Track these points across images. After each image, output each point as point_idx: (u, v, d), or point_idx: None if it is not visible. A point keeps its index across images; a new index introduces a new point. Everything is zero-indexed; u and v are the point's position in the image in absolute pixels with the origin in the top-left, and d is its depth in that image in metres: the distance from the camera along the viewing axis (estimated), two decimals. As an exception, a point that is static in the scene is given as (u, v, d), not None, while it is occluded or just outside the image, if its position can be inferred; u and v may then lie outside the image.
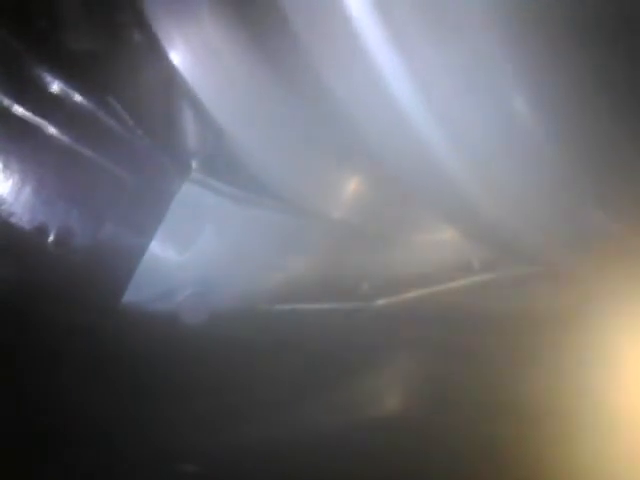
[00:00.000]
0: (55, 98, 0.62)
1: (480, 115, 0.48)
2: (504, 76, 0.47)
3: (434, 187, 0.53)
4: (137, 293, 0.64)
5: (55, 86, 0.62)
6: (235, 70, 0.60)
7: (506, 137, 0.49)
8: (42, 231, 0.62)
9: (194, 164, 0.64)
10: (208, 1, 0.58)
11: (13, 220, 0.61)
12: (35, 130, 0.61)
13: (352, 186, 0.66)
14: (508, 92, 0.48)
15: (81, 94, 0.62)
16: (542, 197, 0.52)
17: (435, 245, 0.69)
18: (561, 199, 0.53)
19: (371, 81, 0.47)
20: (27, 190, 0.61)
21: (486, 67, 0.47)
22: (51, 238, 0.62)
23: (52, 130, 0.61)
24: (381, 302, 0.71)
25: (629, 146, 0.51)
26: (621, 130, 0.50)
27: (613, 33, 0.46)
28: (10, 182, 0.61)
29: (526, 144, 0.49)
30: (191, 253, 0.65)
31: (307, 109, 0.61)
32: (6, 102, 0.60)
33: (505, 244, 0.59)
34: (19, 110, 0.61)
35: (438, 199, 0.56)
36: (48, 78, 0.62)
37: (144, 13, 0.58)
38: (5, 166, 0.60)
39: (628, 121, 0.50)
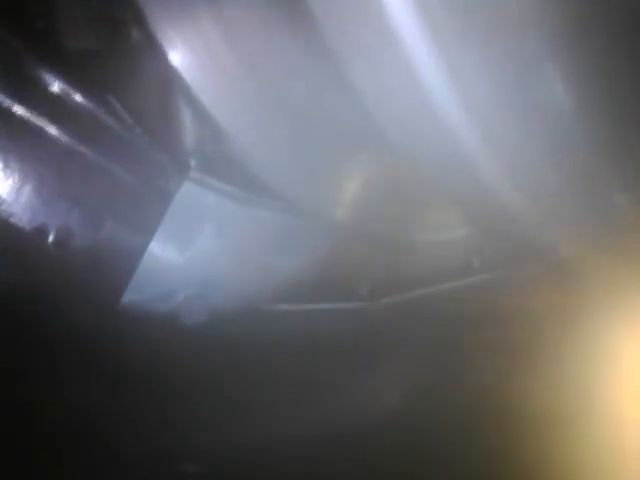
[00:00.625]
0: (55, 98, 0.62)
1: (511, 107, 0.48)
2: (536, 66, 0.47)
3: (459, 180, 0.53)
4: (137, 293, 0.64)
5: (55, 86, 0.62)
6: (233, 69, 0.60)
7: (537, 128, 0.49)
8: (42, 231, 0.62)
9: (193, 163, 0.64)
10: (206, 1, 0.58)
11: (13, 220, 0.61)
12: (35, 130, 0.61)
13: (352, 186, 0.66)
14: (541, 82, 0.48)
15: (81, 94, 0.62)
16: (567, 187, 0.52)
17: (435, 245, 0.69)
18: (588, 188, 0.52)
19: (405, 76, 0.47)
20: (27, 190, 0.61)
21: (519, 60, 0.47)
22: (51, 238, 0.62)
23: (52, 130, 0.61)
24: (381, 302, 0.71)
25: None
26: None
27: None
28: (10, 182, 0.60)
29: (558, 134, 0.49)
30: (191, 253, 0.65)
31: (306, 109, 0.61)
32: (6, 102, 0.60)
33: (525, 238, 0.58)
34: (19, 110, 0.60)
35: (464, 193, 0.55)
36: (48, 78, 0.62)
37: (143, 13, 0.58)
38: (5, 166, 0.60)
39: None
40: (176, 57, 0.59)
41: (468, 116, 0.47)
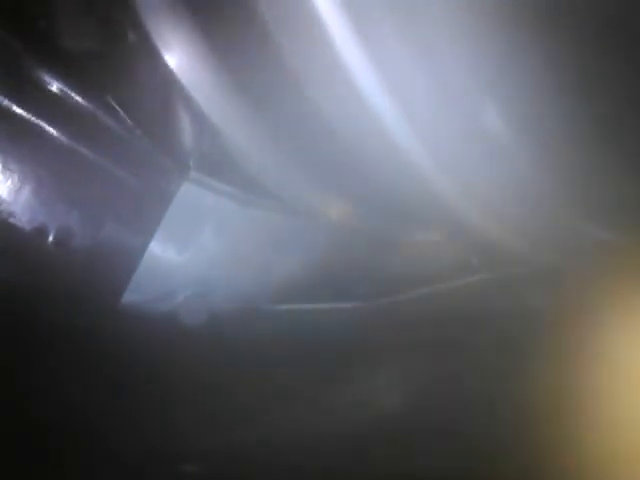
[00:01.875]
0: (54, 98, 0.62)
1: (455, 125, 0.48)
2: (477, 84, 0.47)
3: (414, 193, 0.54)
4: (137, 293, 0.64)
5: (54, 86, 0.62)
6: (231, 71, 0.60)
7: (484, 146, 0.49)
8: (42, 231, 0.62)
9: (192, 164, 0.64)
10: (204, 3, 0.58)
11: (12, 220, 0.61)
12: (34, 130, 0.61)
13: (352, 186, 0.66)
14: (483, 101, 0.48)
15: (80, 94, 0.62)
16: (526, 206, 0.52)
17: (435, 245, 0.69)
18: (545, 207, 0.53)
19: (343, 85, 0.47)
20: (26, 190, 0.61)
21: (458, 75, 0.46)
22: (51, 238, 0.62)
23: (51, 130, 0.62)
24: (381, 302, 0.71)
25: (614, 153, 0.51)
26: (604, 139, 0.50)
27: (597, 41, 0.46)
28: (9, 182, 0.61)
29: (507, 153, 0.49)
30: (191, 253, 0.65)
31: (305, 110, 0.61)
32: (5, 102, 0.60)
33: (492, 248, 0.59)
34: (18, 110, 0.61)
35: (423, 209, 0.56)
36: (47, 78, 0.62)
37: (141, 14, 0.58)
38: (4, 166, 0.60)
39: (613, 128, 0.49)
40: (174, 59, 0.59)
41: (410, 127, 0.48)
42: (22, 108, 0.61)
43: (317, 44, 0.46)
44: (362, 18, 0.44)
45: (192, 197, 0.64)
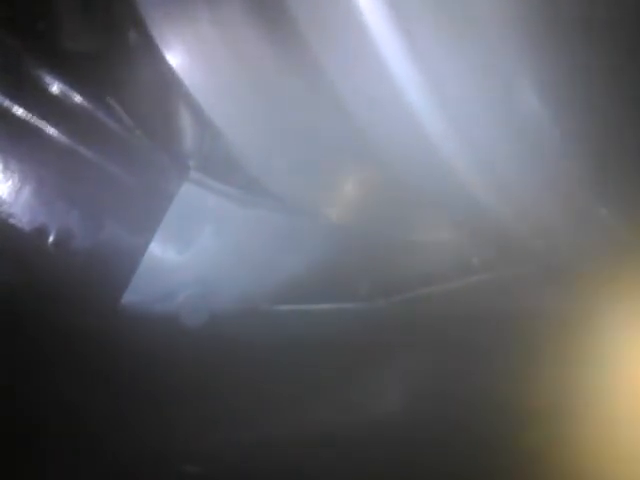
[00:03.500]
0: (54, 99, 0.62)
1: (492, 115, 0.48)
2: (517, 75, 0.47)
3: (442, 188, 0.53)
4: (137, 294, 0.64)
5: (54, 87, 0.62)
6: (232, 71, 0.60)
7: (518, 137, 0.49)
8: (42, 232, 0.62)
9: (192, 164, 0.64)
10: (205, 2, 0.58)
11: (13, 221, 0.61)
12: (34, 130, 0.61)
13: (352, 186, 0.66)
14: (521, 91, 0.48)
15: (80, 95, 0.62)
16: (548, 198, 0.52)
17: (435, 245, 0.69)
18: (571, 200, 0.53)
19: (380, 80, 0.47)
20: (27, 191, 0.61)
21: (499, 66, 0.47)
22: (51, 239, 0.62)
23: (51, 130, 0.61)
24: (381, 302, 0.71)
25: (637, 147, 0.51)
26: (630, 131, 0.50)
27: (629, 32, 0.46)
28: (10, 183, 0.61)
29: (538, 143, 0.49)
30: (191, 253, 0.65)
31: (306, 109, 0.61)
32: (5, 103, 0.60)
33: (511, 245, 0.58)
34: (18, 110, 0.60)
35: (446, 200, 0.56)
36: (47, 79, 0.62)
37: (142, 14, 0.58)
38: (4, 167, 0.60)
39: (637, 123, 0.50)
40: (174, 59, 0.59)
41: (446, 119, 0.48)
42: (22, 108, 0.60)
43: (349, 34, 0.46)
44: (401, 10, 0.44)
45: (192, 197, 0.64)
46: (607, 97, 0.48)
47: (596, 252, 0.57)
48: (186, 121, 0.64)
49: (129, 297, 0.64)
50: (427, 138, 0.48)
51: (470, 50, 0.46)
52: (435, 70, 0.46)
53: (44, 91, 0.62)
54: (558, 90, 0.47)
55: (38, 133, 0.61)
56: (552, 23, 0.45)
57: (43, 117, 0.61)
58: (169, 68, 0.59)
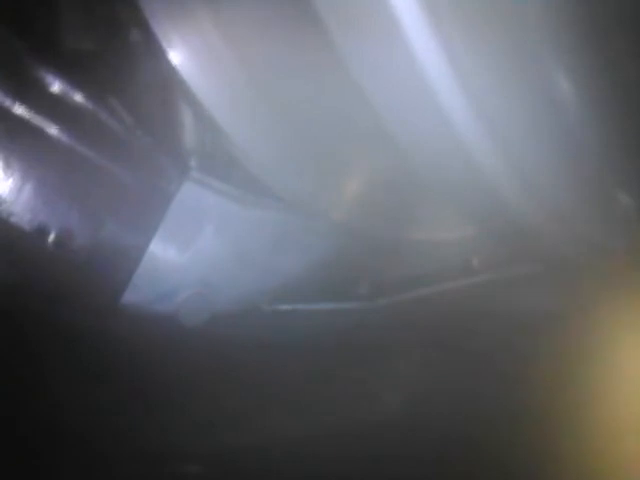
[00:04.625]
0: (55, 98, 0.62)
1: (517, 104, 0.48)
2: (547, 70, 0.47)
3: (462, 178, 0.53)
4: (137, 293, 0.64)
5: (55, 86, 0.62)
6: (233, 70, 0.60)
7: (541, 127, 0.49)
8: (42, 231, 0.62)
9: (193, 163, 0.64)
10: (206, 2, 0.58)
11: (13, 220, 0.61)
12: (35, 130, 0.61)
13: (352, 187, 0.66)
14: (547, 80, 0.48)
15: (81, 94, 0.62)
16: (575, 187, 0.52)
17: (435, 245, 0.69)
18: (592, 188, 0.52)
19: (411, 78, 0.46)
20: (27, 190, 0.61)
21: (528, 60, 0.46)
22: (51, 238, 0.62)
23: (52, 130, 0.61)
24: (381, 302, 0.71)
25: None
26: None
27: None
28: (10, 182, 0.60)
29: (563, 133, 0.49)
30: (191, 253, 0.65)
31: (306, 109, 0.61)
32: (6, 102, 0.60)
33: (526, 238, 0.58)
34: (19, 110, 0.60)
35: (464, 191, 0.55)
36: (48, 78, 0.62)
37: (143, 13, 0.58)
38: (5, 166, 0.60)
39: None
40: (176, 58, 0.59)
41: (473, 114, 0.47)
42: (23, 107, 0.60)
43: (378, 35, 0.45)
44: (434, 11, 0.44)
45: (193, 197, 0.64)
46: (634, 87, 0.48)
47: (616, 242, 0.57)
48: (187, 121, 0.64)
49: (129, 297, 0.64)
50: (451, 129, 0.48)
51: (497, 42, 0.46)
52: (460, 59, 0.45)
53: (45, 90, 0.62)
54: (586, 79, 0.47)
55: (39, 132, 0.61)
56: (586, 20, 0.45)
57: (44, 116, 0.61)
58: (171, 67, 0.59)
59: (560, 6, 0.45)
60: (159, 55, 0.59)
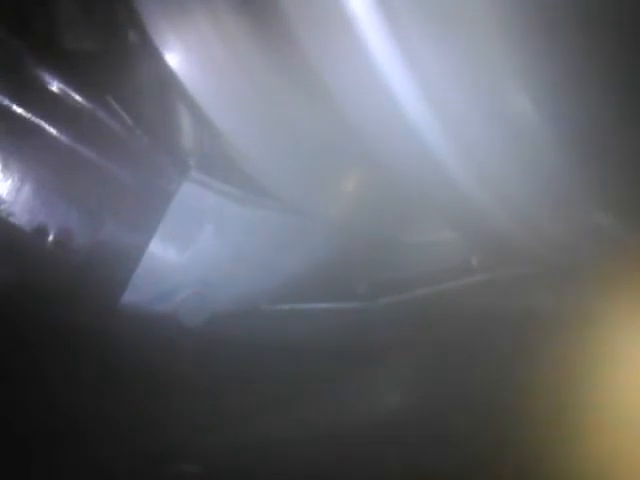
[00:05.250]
0: (54, 98, 0.62)
1: (484, 116, 0.48)
2: (508, 76, 0.47)
3: (439, 191, 0.53)
4: (137, 293, 0.64)
5: (54, 86, 0.62)
6: (231, 70, 0.60)
7: (514, 139, 0.49)
8: (42, 231, 0.62)
9: (193, 163, 0.64)
10: (204, 3, 0.58)
11: (12, 220, 0.61)
12: (34, 130, 0.61)
13: (352, 186, 0.66)
14: (512, 92, 0.48)
15: (80, 94, 0.62)
16: (543, 199, 0.52)
17: (435, 245, 0.69)
18: (563, 201, 0.52)
19: (371, 81, 0.47)
20: (26, 190, 0.61)
21: (489, 67, 0.46)
22: (51, 238, 0.62)
23: (51, 130, 0.61)
24: (381, 302, 0.71)
25: (633, 148, 0.51)
26: (628, 131, 0.50)
27: (619, 32, 0.46)
28: (9, 182, 0.61)
29: (529, 145, 0.49)
30: (191, 253, 0.65)
31: (305, 109, 0.61)
32: (6, 102, 0.60)
33: (506, 246, 0.58)
34: (18, 110, 0.60)
35: (440, 202, 0.56)
36: (47, 78, 0.62)
37: (140, 14, 0.58)
38: (4, 166, 0.60)
39: (635, 122, 0.49)
40: (173, 58, 0.59)
41: (437, 120, 0.47)
42: (22, 108, 0.61)
43: (340, 36, 0.46)
44: (392, 13, 0.44)
45: (192, 197, 0.64)
46: (605, 99, 0.48)
47: (595, 255, 0.57)
48: (186, 121, 0.64)
49: (129, 296, 0.64)
50: (421, 141, 0.48)
51: (462, 51, 0.46)
52: (427, 72, 0.46)
53: (44, 90, 0.62)
54: (554, 92, 0.47)
55: (38, 132, 0.61)
56: (545, 22, 0.45)
57: (43, 116, 0.61)
58: (168, 68, 0.59)
59: (520, 9, 0.45)
60: (157, 56, 0.59)
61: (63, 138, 0.62)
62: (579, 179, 0.51)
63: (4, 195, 0.61)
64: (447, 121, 0.48)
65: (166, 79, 0.60)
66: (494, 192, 0.51)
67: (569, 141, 0.50)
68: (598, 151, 0.50)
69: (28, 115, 0.61)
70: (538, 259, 0.58)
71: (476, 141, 0.49)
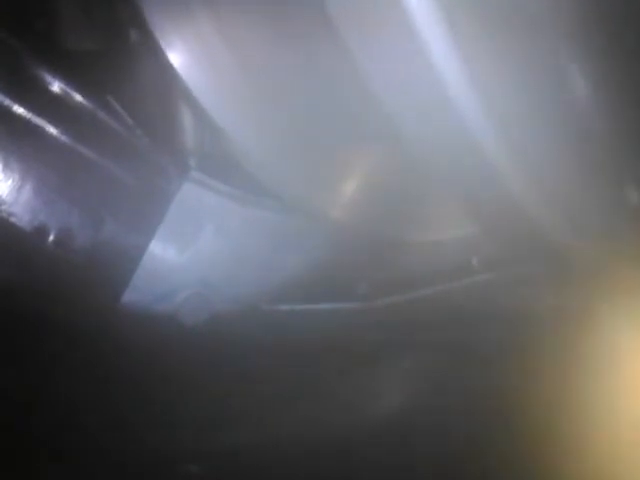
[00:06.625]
0: (55, 98, 0.62)
1: (526, 98, 0.48)
2: (556, 60, 0.47)
3: (474, 177, 0.52)
4: (137, 293, 0.64)
5: (55, 86, 0.62)
6: (232, 70, 0.60)
7: (552, 122, 0.49)
8: (42, 231, 0.62)
9: (193, 163, 0.64)
10: (205, 1, 0.58)
11: (13, 220, 0.61)
12: (35, 130, 0.61)
13: (352, 186, 0.66)
14: (558, 75, 0.47)
15: (81, 94, 0.62)
16: (583, 181, 0.52)
17: (435, 245, 0.69)
18: (599, 182, 0.52)
19: (421, 71, 0.46)
20: (27, 190, 0.61)
21: (536, 55, 0.46)
22: (51, 238, 0.62)
23: (52, 130, 0.61)
24: (381, 302, 0.71)
25: None
26: None
27: None
28: (10, 182, 0.61)
29: (571, 128, 0.49)
30: (191, 253, 0.65)
31: (306, 109, 0.61)
32: (6, 102, 0.60)
33: (536, 236, 0.57)
34: (19, 110, 0.61)
35: (476, 190, 0.55)
36: (48, 78, 0.62)
37: (142, 13, 0.58)
38: (5, 166, 0.60)
39: None
40: (175, 58, 0.59)
41: (484, 111, 0.47)
42: (23, 107, 0.61)
43: (389, 28, 0.45)
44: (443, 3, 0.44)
45: (192, 197, 0.64)
46: None
47: (625, 237, 0.57)
48: (186, 120, 0.64)
49: (129, 296, 0.64)
50: (461, 125, 0.48)
51: (506, 37, 0.45)
52: (472, 56, 0.45)
53: (45, 90, 0.62)
54: (594, 74, 0.47)
55: (39, 132, 0.61)
56: (598, 17, 0.45)
57: (44, 116, 0.61)
58: (170, 67, 0.59)
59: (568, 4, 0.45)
60: (159, 55, 0.59)
61: (64, 138, 0.62)
62: (612, 159, 0.51)
63: (5, 195, 0.61)
64: (486, 99, 0.47)
65: (167, 78, 0.60)
66: (529, 172, 0.50)
67: (618, 134, 0.50)
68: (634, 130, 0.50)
69: (29, 115, 0.61)
70: (569, 250, 0.57)
71: (514, 121, 0.48)
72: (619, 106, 0.49)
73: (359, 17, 0.46)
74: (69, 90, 0.62)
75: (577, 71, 0.48)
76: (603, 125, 0.50)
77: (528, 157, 0.50)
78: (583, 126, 0.49)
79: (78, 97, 0.63)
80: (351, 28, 0.47)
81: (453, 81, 0.46)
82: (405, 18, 0.44)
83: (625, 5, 0.46)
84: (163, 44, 0.58)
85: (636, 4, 0.46)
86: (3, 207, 0.61)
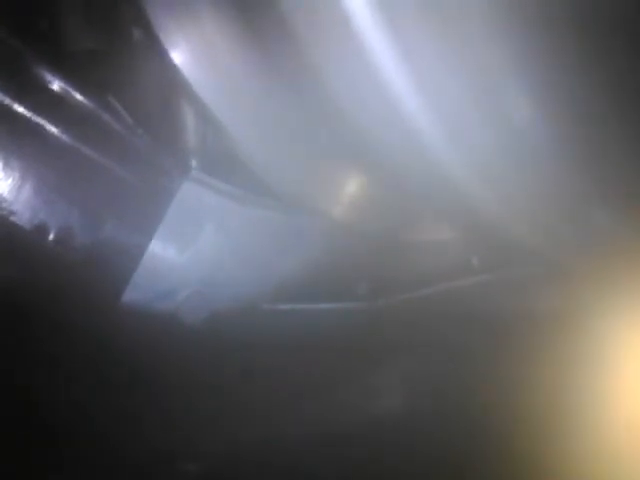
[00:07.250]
0: (55, 97, 0.62)
1: (482, 116, 0.48)
2: (506, 78, 0.47)
3: (436, 188, 0.53)
4: (137, 293, 0.64)
5: (56, 85, 0.62)
6: (235, 69, 0.60)
7: (508, 138, 0.49)
8: (42, 230, 0.62)
9: (194, 163, 0.65)
10: (208, 0, 0.58)
11: (13, 219, 0.61)
12: (35, 129, 0.61)
13: (352, 186, 0.66)
14: (510, 94, 0.48)
15: (81, 93, 0.63)
16: (544, 197, 0.52)
17: (435, 245, 0.69)
18: (563, 199, 0.53)
19: (371, 83, 0.47)
20: (27, 189, 0.61)
21: (488, 69, 0.47)
22: (51, 237, 0.62)
23: (52, 129, 0.62)
24: (381, 302, 0.71)
25: (632, 146, 0.51)
26: (624, 130, 0.50)
27: (616, 34, 0.46)
28: (10, 181, 0.61)
29: (528, 145, 0.49)
30: (191, 253, 0.65)
31: (307, 108, 0.61)
32: (7, 101, 0.60)
33: (506, 244, 0.59)
34: (19, 109, 0.61)
35: (440, 200, 0.56)
36: (49, 77, 0.62)
37: (145, 12, 0.58)
38: (5, 165, 0.61)
39: (631, 121, 0.50)
40: (178, 57, 0.59)
41: (436, 121, 0.48)
42: (24, 107, 0.61)
43: (339, 35, 0.46)
44: (391, 13, 0.44)
45: (193, 196, 0.64)
46: (603, 97, 0.48)
47: (595, 252, 0.57)
48: (188, 120, 0.65)
49: (129, 295, 0.64)
50: (418, 138, 0.49)
51: (461, 51, 0.46)
52: (426, 72, 0.46)
53: (46, 90, 0.62)
54: (551, 91, 0.48)
55: (39, 131, 0.61)
56: (544, 22, 0.45)
57: (44, 116, 0.61)
58: (172, 67, 0.59)
59: (519, 9, 0.45)
60: (161, 55, 0.59)
61: (64, 137, 0.62)
62: (579, 175, 0.51)
63: (5, 194, 0.61)
64: (446, 121, 0.48)
65: (169, 78, 0.60)
66: (493, 189, 0.51)
67: (568, 140, 0.50)
68: (599, 148, 0.50)
69: (30, 115, 0.61)
70: (539, 257, 0.58)
71: (475, 140, 0.49)
72: (575, 126, 0.49)
73: (311, 17, 0.47)
74: (70, 89, 0.62)
75: (528, 88, 0.48)
76: (559, 144, 0.50)
77: (489, 174, 0.50)
78: (539, 146, 0.50)
79: (79, 96, 0.63)
80: (305, 29, 0.47)
81: (404, 97, 0.47)
82: (355, 36, 0.45)
83: (569, 17, 0.46)
84: (166, 43, 0.58)
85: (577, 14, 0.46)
86: (4, 205, 0.61)
